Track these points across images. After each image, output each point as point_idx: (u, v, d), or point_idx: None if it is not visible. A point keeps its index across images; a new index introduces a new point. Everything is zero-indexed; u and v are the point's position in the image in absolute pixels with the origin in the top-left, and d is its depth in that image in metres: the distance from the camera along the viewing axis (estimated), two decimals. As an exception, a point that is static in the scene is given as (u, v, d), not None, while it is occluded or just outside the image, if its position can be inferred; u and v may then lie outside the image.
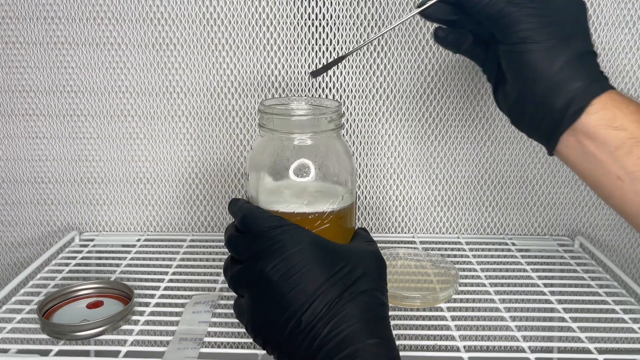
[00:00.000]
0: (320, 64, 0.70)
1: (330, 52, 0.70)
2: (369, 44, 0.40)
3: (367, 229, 0.77)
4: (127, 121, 0.73)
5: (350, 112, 0.72)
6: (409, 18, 0.41)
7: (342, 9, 0.68)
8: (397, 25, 0.40)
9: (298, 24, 0.69)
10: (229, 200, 0.53)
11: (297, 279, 0.36)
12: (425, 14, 0.45)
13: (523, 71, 0.42)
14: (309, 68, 0.70)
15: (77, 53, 0.70)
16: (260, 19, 0.69)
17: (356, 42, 0.69)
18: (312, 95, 0.71)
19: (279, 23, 0.69)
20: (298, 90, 0.71)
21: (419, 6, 0.45)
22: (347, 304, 0.36)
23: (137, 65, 0.71)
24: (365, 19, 0.69)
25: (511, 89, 0.44)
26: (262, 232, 0.38)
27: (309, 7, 0.68)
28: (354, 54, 0.69)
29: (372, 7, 0.68)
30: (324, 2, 0.68)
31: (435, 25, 0.47)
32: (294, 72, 0.71)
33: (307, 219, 0.42)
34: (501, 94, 0.46)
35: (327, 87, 0.71)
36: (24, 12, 0.69)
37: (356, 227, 0.46)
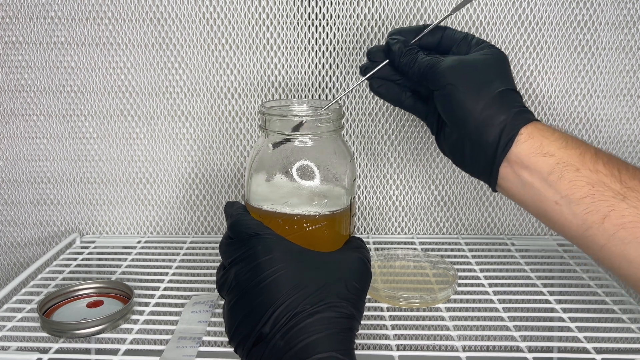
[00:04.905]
0: (320, 64, 0.70)
1: (330, 52, 0.70)
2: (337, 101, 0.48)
3: (367, 229, 0.77)
4: (127, 121, 0.73)
5: (350, 112, 0.72)
6: (359, 84, 0.49)
7: (342, 9, 0.68)
8: (351, 90, 0.47)
9: (298, 24, 0.69)
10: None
11: (264, 288, 0.37)
12: (371, 84, 0.54)
13: (455, 111, 0.47)
14: (308, 68, 0.71)
15: (77, 53, 0.70)
16: (260, 19, 0.69)
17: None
18: (312, 96, 0.72)
19: (279, 23, 0.69)
20: (298, 91, 0.72)
21: (363, 73, 0.53)
22: (308, 316, 0.36)
23: (137, 65, 0.71)
24: (365, 19, 0.69)
25: (449, 130, 0.49)
26: (242, 239, 0.39)
27: (309, 7, 0.68)
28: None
29: (372, 7, 0.68)
30: (324, 2, 0.68)
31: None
32: (294, 72, 0.71)
33: (292, 219, 0.42)
34: (442, 137, 0.51)
35: (327, 87, 0.71)
36: (24, 12, 0.69)
37: (352, 234, 0.46)
